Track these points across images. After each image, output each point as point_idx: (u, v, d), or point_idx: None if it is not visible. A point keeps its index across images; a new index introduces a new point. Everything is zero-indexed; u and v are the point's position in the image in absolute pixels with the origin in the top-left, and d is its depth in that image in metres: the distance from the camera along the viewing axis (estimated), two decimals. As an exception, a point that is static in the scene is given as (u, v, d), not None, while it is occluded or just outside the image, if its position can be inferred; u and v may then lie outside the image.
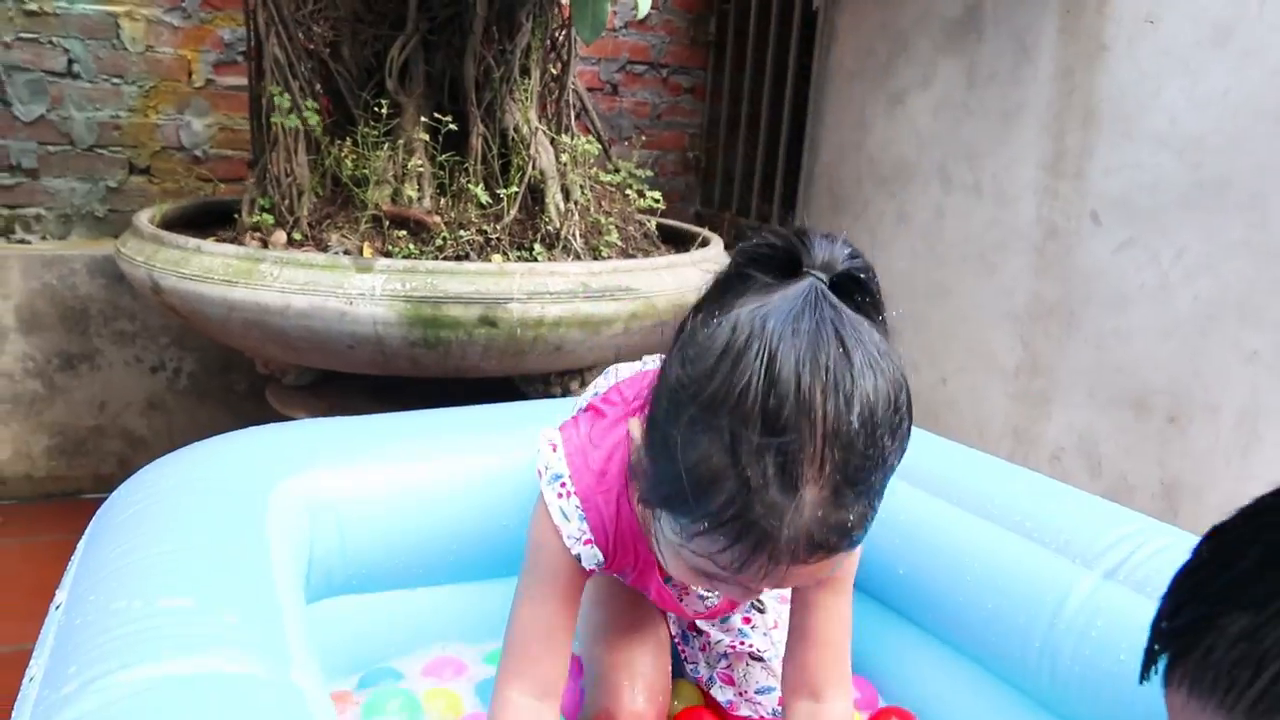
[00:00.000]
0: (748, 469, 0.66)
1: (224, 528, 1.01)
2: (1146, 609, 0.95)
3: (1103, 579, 0.99)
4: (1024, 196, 2.13)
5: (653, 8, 2.90)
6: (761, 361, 0.66)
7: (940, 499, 1.18)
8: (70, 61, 2.48)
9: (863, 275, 0.72)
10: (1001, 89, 2.16)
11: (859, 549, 0.96)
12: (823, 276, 0.70)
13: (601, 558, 0.93)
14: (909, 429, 0.71)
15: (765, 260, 0.73)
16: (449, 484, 1.26)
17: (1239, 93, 1.75)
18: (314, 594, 1.21)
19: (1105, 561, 1.01)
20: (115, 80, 2.53)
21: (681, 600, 1.05)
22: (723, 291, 0.74)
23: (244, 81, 2.45)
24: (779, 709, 1.12)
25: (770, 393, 0.65)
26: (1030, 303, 2.14)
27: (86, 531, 1.04)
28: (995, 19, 2.17)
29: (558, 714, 0.96)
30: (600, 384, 1.10)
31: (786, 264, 0.72)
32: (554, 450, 0.95)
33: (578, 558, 0.92)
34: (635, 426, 0.81)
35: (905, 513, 1.19)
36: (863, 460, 0.67)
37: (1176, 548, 1.01)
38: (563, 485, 0.93)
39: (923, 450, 1.30)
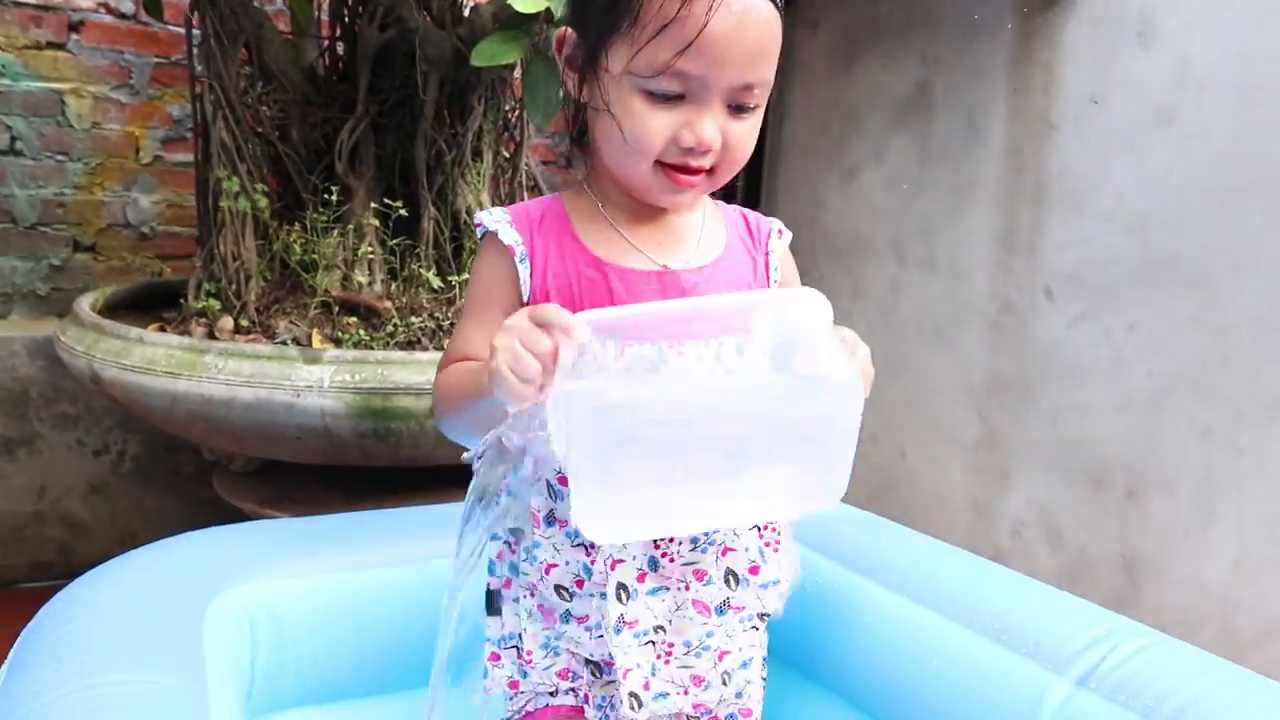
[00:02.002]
0: None
1: (158, 651, 0.96)
2: (1120, 719, 0.93)
3: (1075, 686, 0.97)
4: (978, 271, 2.14)
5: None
6: None
7: (907, 598, 1.16)
8: (13, 139, 2.43)
9: None
10: (953, 165, 2.19)
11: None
12: None
13: (519, 238, 0.94)
14: None
15: None
16: (396, 589, 1.21)
17: (1182, 173, 1.78)
18: (257, 708, 1.16)
19: (1077, 667, 0.98)
20: (60, 157, 2.48)
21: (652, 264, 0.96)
22: None
23: (193, 157, 2.42)
24: None
25: None
26: (987, 376, 2.14)
27: (9, 659, 0.98)
28: (945, 97, 2.20)
29: None
30: None
31: None
32: None
33: (495, 233, 0.94)
34: (558, 34, 0.91)
35: (872, 614, 1.16)
36: None
37: (1150, 650, 0.99)
38: (491, 212, 0.98)
39: (890, 545, 1.28)
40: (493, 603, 0.99)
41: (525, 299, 0.92)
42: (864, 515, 1.36)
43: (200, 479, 2.43)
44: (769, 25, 0.82)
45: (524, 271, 0.92)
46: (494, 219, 0.95)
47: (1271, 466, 1.69)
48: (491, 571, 1.01)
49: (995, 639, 1.06)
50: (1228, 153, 1.72)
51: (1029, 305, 2.04)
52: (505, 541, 0.98)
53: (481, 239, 0.97)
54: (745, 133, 0.87)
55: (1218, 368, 1.75)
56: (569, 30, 0.89)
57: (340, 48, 2.00)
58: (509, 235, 0.93)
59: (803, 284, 1.02)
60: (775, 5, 0.83)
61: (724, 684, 0.96)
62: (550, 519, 0.93)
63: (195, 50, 1.97)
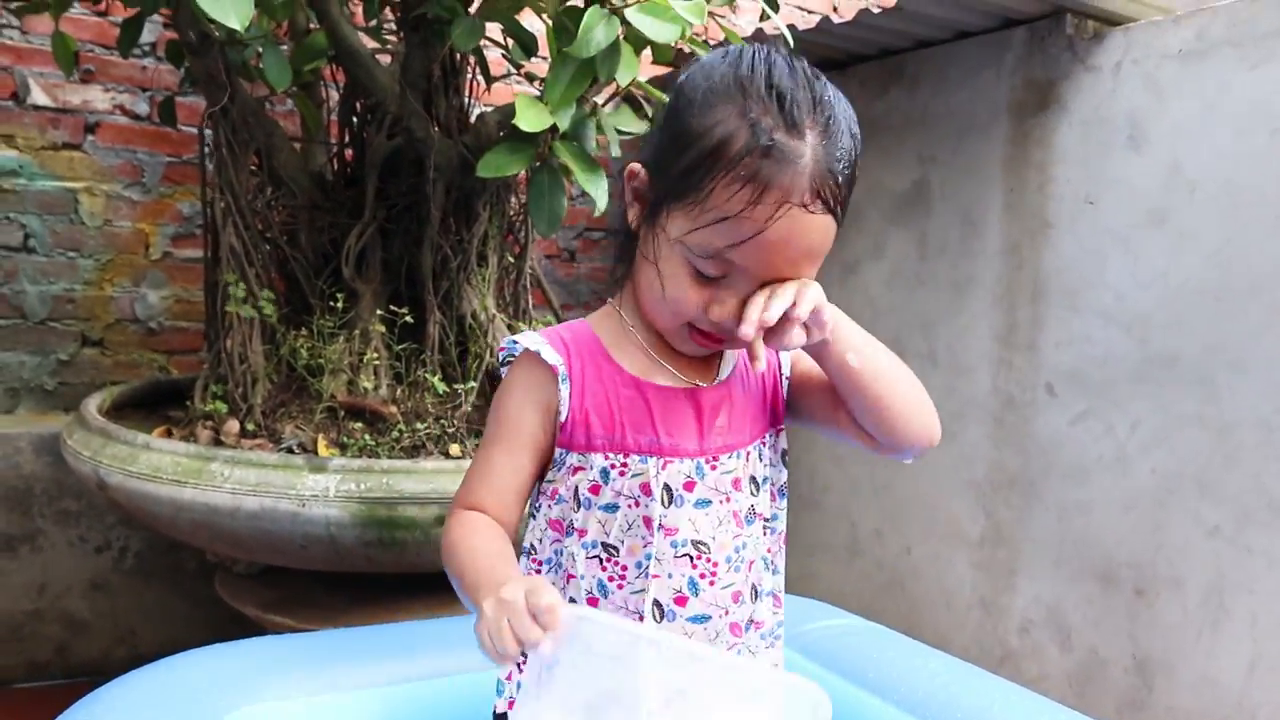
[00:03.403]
0: (760, 120, 0.81)
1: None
2: None
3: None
4: (979, 367, 2.16)
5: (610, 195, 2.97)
6: (759, 54, 0.85)
7: (915, 717, 1.14)
8: (26, 236, 2.46)
9: None
10: (952, 260, 2.22)
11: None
12: None
13: (559, 357, 0.94)
14: (861, 143, 0.90)
15: None
16: (402, 707, 1.20)
17: (1178, 273, 1.80)
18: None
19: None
20: (71, 254, 2.52)
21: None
22: None
23: (202, 254, 2.45)
24: None
25: (770, 68, 0.83)
26: (991, 472, 2.14)
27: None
28: (942, 194, 2.24)
29: (508, 539, 0.94)
30: None
31: None
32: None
33: (537, 354, 0.94)
34: (632, 167, 0.92)
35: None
36: (843, 126, 0.85)
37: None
38: (524, 334, 0.98)
39: (899, 660, 1.26)
40: None
41: (563, 418, 0.93)
42: (871, 627, 1.34)
43: (203, 577, 2.42)
44: (824, 235, 0.84)
45: (564, 391, 0.93)
46: (532, 340, 0.95)
47: (1280, 566, 1.69)
48: (499, 692, 1.00)
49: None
50: (1220, 254, 1.74)
51: (1031, 401, 2.05)
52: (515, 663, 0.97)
53: (511, 362, 0.97)
54: None
55: (1221, 466, 1.75)
56: (643, 169, 0.90)
57: (349, 154, 2.04)
58: (552, 356, 0.93)
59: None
60: (835, 216, 0.84)
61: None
62: (570, 529, 0.95)
63: (208, 152, 2.01)
